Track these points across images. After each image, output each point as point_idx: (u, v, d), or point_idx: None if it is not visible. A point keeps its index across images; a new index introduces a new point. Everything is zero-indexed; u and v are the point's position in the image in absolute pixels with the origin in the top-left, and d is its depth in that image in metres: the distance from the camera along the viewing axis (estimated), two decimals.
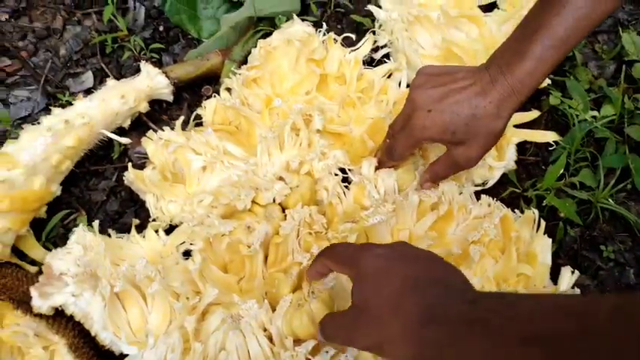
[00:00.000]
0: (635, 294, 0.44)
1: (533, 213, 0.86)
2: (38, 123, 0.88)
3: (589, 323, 0.41)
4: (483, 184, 0.94)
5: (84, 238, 0.79)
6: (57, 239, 0.91)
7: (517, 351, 0.44)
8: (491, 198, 0.88)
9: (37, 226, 0.89)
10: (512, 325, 0.45)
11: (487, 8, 1.09)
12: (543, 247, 0.85)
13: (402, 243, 0.64)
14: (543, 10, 0.74)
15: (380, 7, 1.07)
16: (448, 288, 0.54)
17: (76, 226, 0.90)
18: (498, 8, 1.09)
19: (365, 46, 1.04)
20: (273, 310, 0.77)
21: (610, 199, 0.94)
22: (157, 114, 1.03)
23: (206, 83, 1.06)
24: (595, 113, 1.01)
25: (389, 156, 0.87)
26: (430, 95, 0.77)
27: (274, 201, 0.88)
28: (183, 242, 0.84)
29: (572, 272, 0.82)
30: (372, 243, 0.68)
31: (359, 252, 0.62)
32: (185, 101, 1.05)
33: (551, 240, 0.85)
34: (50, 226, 0.90)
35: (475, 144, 0.77)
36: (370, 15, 1.09)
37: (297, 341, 0.73)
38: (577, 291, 0.83)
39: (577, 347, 0.41)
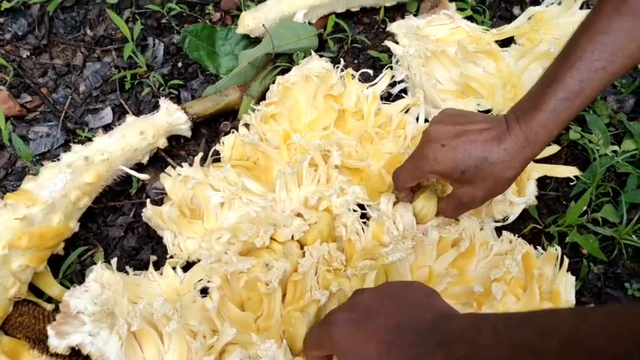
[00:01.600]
0: (580, 318, 0.45)
1: (555, 250, 0.85)
2: (57, 159, 0.88)
3: None
4: (504, 219, 0.92)
5: (102, 276, 0.79)
6: (73, 276, 0.91)
7: None
8: (512, 234, 0.87)
9: (54, 262, 0.88)
10: None
11: (504, 43, 1.09)
12: (567, 285, 0.83)
13: (359, 294, 0.66)
14: (560, 62, 0.75)
15: (397, 42, 1.08)
16: (419, 330, 0.56)
17: (94, 262, 0.90)
18: (515, 43, 1.09)
19: (382, 81, 1.04)
20: (291, 349, 0.75)
21: (633, 236, 0.92)
22: (174, 149, 1.04)
23: (224, 119, 1.06)
24: (616, 148, 1.00)
25: (394, 185, 0.87)
26: (446, 130, 0.78)
27: (293, 238, 0.87)
28: (201, 279, 0.83)
29: None
30: (336, 309, 0.67)
31: (327, 329, 0.63)
32: (203, 137, 1.06)
33: (574, 278, 0.83)
34: (67, 263, 0.90)
35: (482, 186, 0.77)
36: (387, 50, 1.10)
37: None
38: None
39: None
